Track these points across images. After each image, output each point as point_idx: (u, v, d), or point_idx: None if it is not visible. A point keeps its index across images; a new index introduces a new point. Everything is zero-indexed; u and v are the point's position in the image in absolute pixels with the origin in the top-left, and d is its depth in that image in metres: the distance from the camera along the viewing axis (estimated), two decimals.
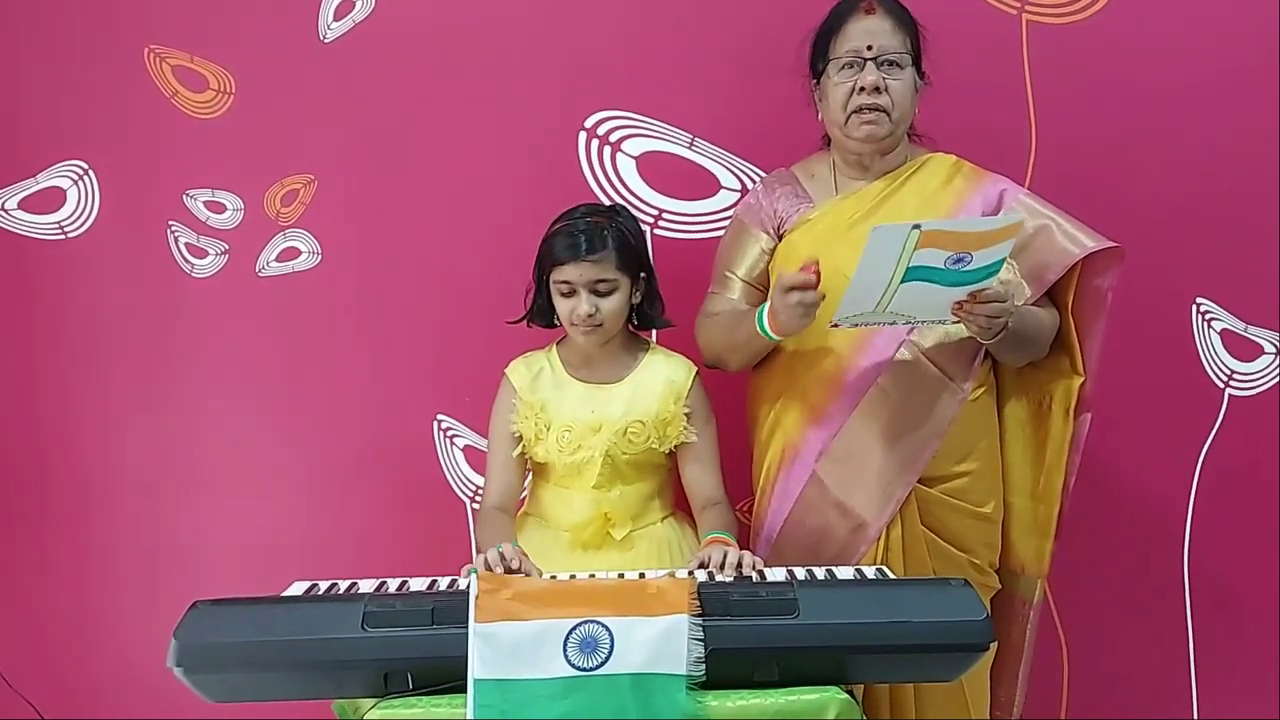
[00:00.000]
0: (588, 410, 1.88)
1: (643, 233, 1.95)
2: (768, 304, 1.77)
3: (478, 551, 1.82)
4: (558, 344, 1.97)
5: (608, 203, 2.12)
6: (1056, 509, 1.92)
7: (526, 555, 1.67)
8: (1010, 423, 1.98)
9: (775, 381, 1.95)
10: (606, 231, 1.83)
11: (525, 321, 1.94)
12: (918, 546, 1.87)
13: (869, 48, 1.80)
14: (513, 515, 1.92)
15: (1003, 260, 1.60)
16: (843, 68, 1.82)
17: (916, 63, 1.85)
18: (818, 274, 1.67)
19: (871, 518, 1.85)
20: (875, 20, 1.82)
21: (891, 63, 1.81)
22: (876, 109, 1.81)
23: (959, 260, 1.57)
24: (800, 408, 1.91)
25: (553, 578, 1.61)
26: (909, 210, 1.84)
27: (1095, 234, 1.83)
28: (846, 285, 1.61)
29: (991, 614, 1.95)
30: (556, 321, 1.90)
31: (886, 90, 1.80)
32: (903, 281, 1.59)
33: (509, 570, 1.60)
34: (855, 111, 1.82)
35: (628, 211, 1.95)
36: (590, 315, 1.82)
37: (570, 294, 1.83)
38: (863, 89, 1.80)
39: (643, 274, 1.90)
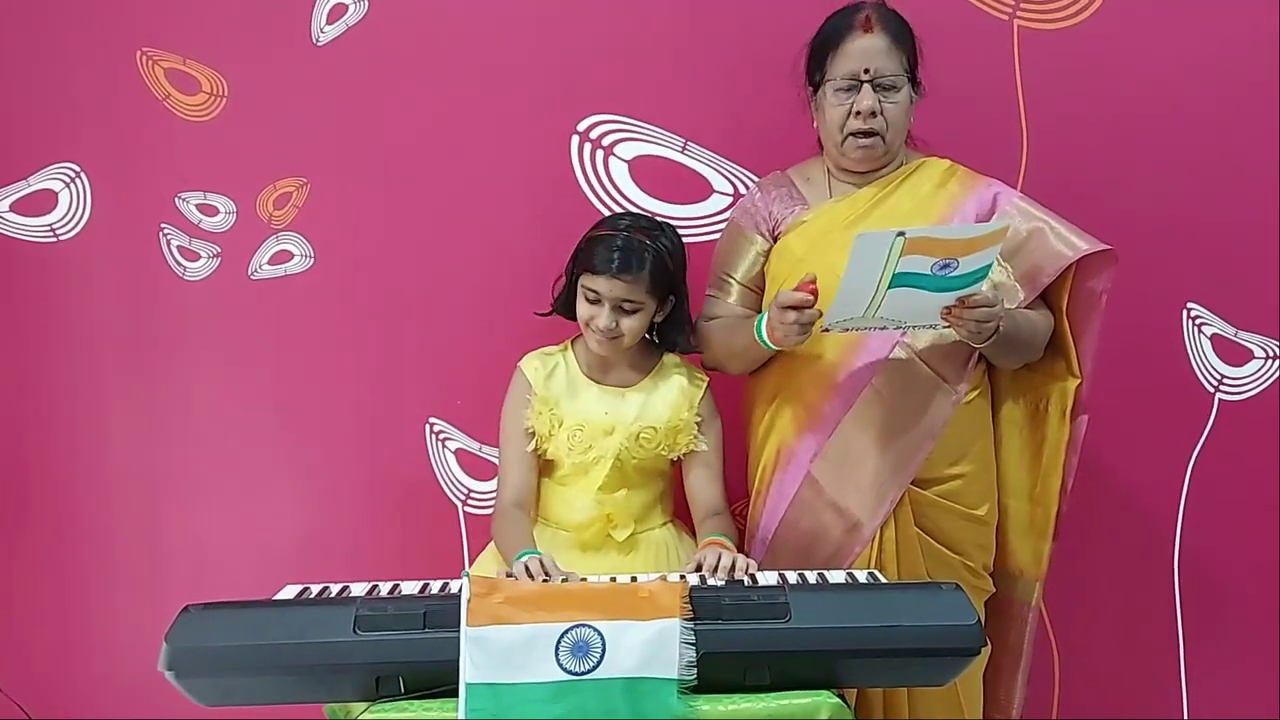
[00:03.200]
0: (601, 411, 1.88)
1: (684, 253, 1.91)
2: (765, 315, 1.78)
3: (502, 554, 1.82)
4: (573, 342, 1.97)
5: (657, 218, 1.99)
6: (1054, 511, 1.92)
7: (553, 563, 1.67)
8: (1007, 425, 1.98)
9: (771, 383, 1.95)
10: (646, 253, 1.81)
11: (552, 312, 1.94)
12: (911, 548, 1.87)
13: (866, 71, 1.80)
14: (529, 513, 1.92)
15: (990, 266, 1.61)
16: (839, 90, 1.82)
17: (913, 77, 1.85)
18: (815, 293, 1.68)
19: (866, 519, 1.85)
20: (872, 39, 1.81)
21: (888, 86, 1.81)
22: (872, 134, 1.82)
23: (945, 266, 1.58)
24: (795, 409, 1.91)
25: (545, 582, 1.61)
26: (903, 213, 1.85)
27: (1089, 237, 1.84)
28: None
29: (989, 617, 1.97)
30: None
31: (882, 113, 1.81)
32: (890, 288, 1.60)
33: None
34: (851, 134, 1.83)
35: (673, 230, 1.92)
36: (609, 329, 1.82)
37: (595, 302, 1.83)
38: (858, 113, 1.80)
39: (672, 296, 1.89)
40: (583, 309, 1.85)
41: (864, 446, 1.86)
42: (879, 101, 1.80)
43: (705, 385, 1.94)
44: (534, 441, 1.90)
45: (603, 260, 1.80)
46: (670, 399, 1.90)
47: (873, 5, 1.85)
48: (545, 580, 1.61)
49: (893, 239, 1.52)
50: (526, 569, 1.64)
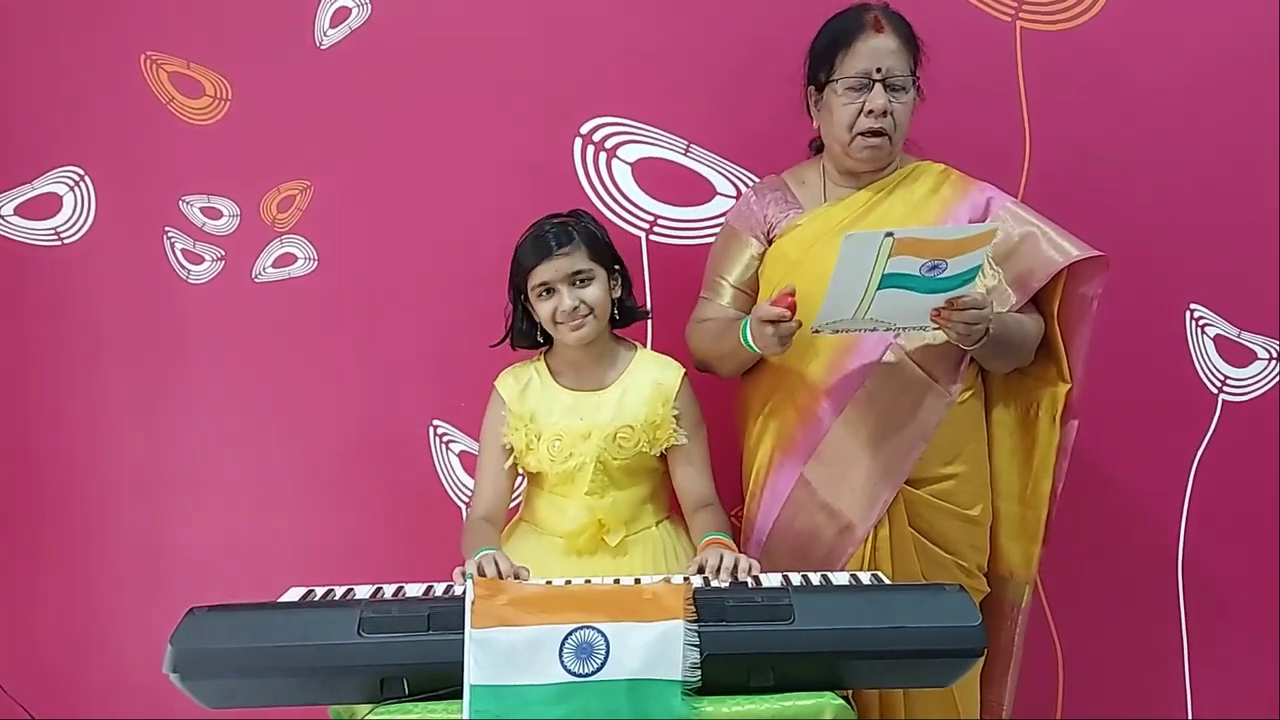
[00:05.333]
0: (576, 418, 1.89)
1: (605, 230, 1.94)
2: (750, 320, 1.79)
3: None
4: (545, 354, 1.97)
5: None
6: (1044, 514, 1.93)
7: (508, 559, 1.67)
8: (998, 428, 1.99)
9: (764, 385, 1.95)
10: (570, 228, 1.85)
11: (509, 343, 1.95)
12: (905, 548, 1.87)
13: (878, 70, 1.80)
14: (499, 527, 1.92)
15: (978, 267, 1.61)
16: (849, 88, 1.82)
17: (916, 79, 1.86)
18: (793, 307, 1.69)
19: (858, 520, 1.86)
20: (884, 39, 1.81)
21: (898, 86, 1.82)
22: (881, 134, 1.82)
23: (934, 267, 1.58)
24: (788, 410, 1.92)
25: (548, 583, 1.61)
26: (896, 218, 1.86)
27: (1081, 243, 1.85)
28: None
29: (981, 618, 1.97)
30: (540, 339, 1.92)
31: (891, 114, 1.81)
32: (879, 289, 1.60)
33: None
34: (861, 134, 1.83)
35: (587, 213, 1.96)
36: (575, 308, 1.82)
37: (551, 293, 1.84)
38: (870, 112, 1.81)
39: (616, 266, 1.90)
40: (544, 310, 1.85)
41: (856, 448, 1.86)
42: (890, 101, 1.81)
43: (681, 377, 1.93)
44: (510, 457, 1.91)
45: (538, 250, 1.83)
46: (645, 395, 1.90)
47: (880, 7, 1.86)
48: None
49: (881, 239, 1.53)
50: (480, 569, 1.61)
